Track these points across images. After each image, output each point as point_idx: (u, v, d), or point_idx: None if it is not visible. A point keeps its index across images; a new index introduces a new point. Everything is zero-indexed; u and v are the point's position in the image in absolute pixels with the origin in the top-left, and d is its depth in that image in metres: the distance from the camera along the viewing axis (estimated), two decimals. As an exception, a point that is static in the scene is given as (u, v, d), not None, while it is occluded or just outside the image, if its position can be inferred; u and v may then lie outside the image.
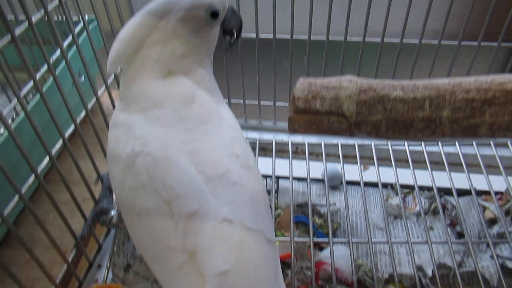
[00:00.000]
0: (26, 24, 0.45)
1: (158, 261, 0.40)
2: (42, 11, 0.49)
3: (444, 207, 0.71)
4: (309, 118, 0.48)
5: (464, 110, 0.44)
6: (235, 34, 0.51)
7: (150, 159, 0.41)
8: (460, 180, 0.68)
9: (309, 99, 0.47)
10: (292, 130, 0.49)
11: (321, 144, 0.74)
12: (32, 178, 0.51)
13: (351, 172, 0.73)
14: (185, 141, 0.42)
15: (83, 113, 0.61)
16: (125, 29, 0.45)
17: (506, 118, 0.43)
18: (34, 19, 0.46)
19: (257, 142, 0.76)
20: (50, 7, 0.50)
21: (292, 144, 0.75)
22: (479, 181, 0.68)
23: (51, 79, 0.65)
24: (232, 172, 0.42)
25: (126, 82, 0.46)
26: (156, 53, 0.44)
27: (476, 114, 0.44)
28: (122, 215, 0.47)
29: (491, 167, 0.70)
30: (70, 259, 0.56)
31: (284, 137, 0.80)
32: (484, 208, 0.70)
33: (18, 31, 0.45)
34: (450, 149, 0.72)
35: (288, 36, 0.68)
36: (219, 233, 0.38)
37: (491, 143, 0.71)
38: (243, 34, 0.68)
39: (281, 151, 0.79)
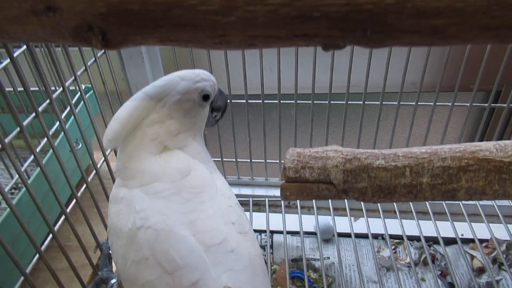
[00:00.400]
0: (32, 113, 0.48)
1: None
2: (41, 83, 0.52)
3: (433, 258, 0.74)
4: (300, 186, 0.51)
5: (441, 177, 0.47)
6: (221, 112, 0.56)
7: (152, 232, 0.43)
8: (446, 229, 0.70)
9: (298, 169, 0.51)
10: (285, 197, 0.52)
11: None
12: (32, 249, 0.53)
13: (342, 223, 0.76)
14: (184, 212, 0.45)
15: (79, 177, 0.63)
16: (123, 109, 0.49)
17: (480, 183, 0.46)
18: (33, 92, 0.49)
19: (251, 200, 0.78)
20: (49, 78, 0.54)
21: (282, 200, 0.78)
22: (465, 230, 0.71)
23: (50, 150, 0.68)
24: (229, 240, 0.44)
25: (124, 159, 0.50)
26: (153, 132, 0.48)
27: (453, 180, 0.47)
28: (124, 287, 0.48)
29: (475, 216, 0.73)
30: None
31: (276, 192, 0.83)
32: (472, 257, 0.72)
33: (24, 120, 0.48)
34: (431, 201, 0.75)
35: (275, 93, 0.72)
36: None
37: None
38: (234, 92, 0.72)
39: (274, 206, 0.82)
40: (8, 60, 0.46)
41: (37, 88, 0.77)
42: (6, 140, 0.44)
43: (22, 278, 0.49)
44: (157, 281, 0.41)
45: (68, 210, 0.58)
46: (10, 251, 0.44)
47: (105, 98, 0.65)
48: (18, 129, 0.45)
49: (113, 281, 0.59)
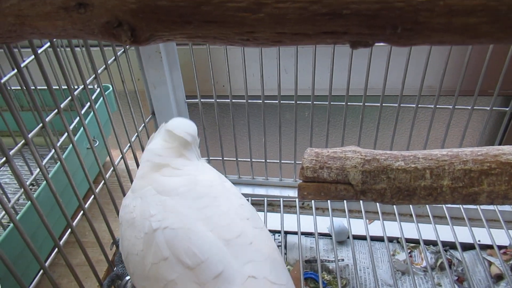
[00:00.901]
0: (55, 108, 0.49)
1: None
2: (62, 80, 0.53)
3: (450, 263, 0.72)
4: (318, 186, 0.51)
5: (463, 180, 0.47)
6: None
7: (169, 232, 0.43)
8: (464, 234, 0.69)
9: (316, 169, 0.50)
10: (302, 197, 0.52)
11: (327, 200, 0.77)
12: (51, 242, 0.53)
13: (357, 226, 0.75)
14: (199, 208, 0.46)
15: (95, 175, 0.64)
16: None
17: (503, 188, 0.46)
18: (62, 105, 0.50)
19: (265, 200, 0.78)
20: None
21: (299, 200, 0.78)
22: (483, 235, 0.70)
23: (69, 146, 0.69)
24: (247, 233, 0.45)
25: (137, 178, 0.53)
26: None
27: (475, 183, 0.46)
28: None
29: (493, 221, 0.72)
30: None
31: (291, 193, 0.83)
32: (490, 263, 0.71)
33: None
34: (452, 204, 0.74)
35: (292, 94, 0.72)
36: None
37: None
38: (250, 95, 0.72)
39: (288, 206, 0.82)
40: (32, 57, 0.47)
41: (56, 87, 0.78)
42: (30, 136, 0.44)
43: (41, 271, 0.50)
44: (179, 279, 0.41)
45: (85, 206, 0.59)
46: (30, 243, 0.45)
47: (123, 97, 0.65)
48: (41, 125, 0.46)
49: (128, 277, 0.60)
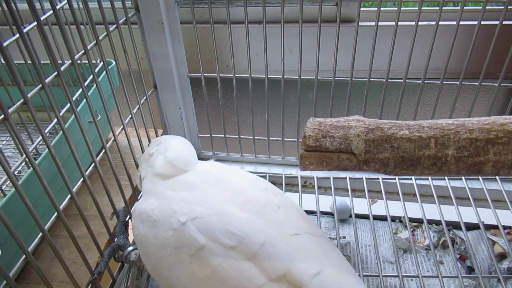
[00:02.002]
0: (55, 73, 0.49)
1: None
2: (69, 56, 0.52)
3: (453, 241, 0.72)
4: (320, 155, 0.50)
5: (468, 149, 0.46)
6: None
7: (199, 221, 0.42)
8: (468, 214, 0.68)
9: (319, 137, 0.50)
10: (304, 167, 0.52)
11: (329, 178, 0.76)
12: (52, 213, 0.53)
13: (360, 205, 0.74)
14: (218, 193, 0.46)
15: (98, 149, 0.63)
16: None
17: (509, 157, 0.45)
18: (62, 68, 0.50)
19: (267, 175, 0.78)
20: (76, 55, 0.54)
21: (301, 178, 0.77)
22: (487, 215, 0.69)
23: (69, 118, 0.69)
24: (271, 200, 0.46)
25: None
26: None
27: (480, 153, 0.46)
28: None
29: (498, 202, 0.71)
30: (85, 294, 0.57)
31: (293, 171, 0.82)
32: (494, 243, 0.70)
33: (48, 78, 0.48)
34: (457, 183, 0.73)
35: (296, 76, 0.71)
36: (294, 245, 0.41)
37: (497, 178, 0.72)
38: (253, 75, 0.72)
39: (290, 184, 0.81)
40: (35, 23, 0.46)
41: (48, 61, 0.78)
42: (30, 94, 0.44)
43: (40, 234, 0.50)
44: (225, 262, 0.40)
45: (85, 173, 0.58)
46: (30, 206, 0.44)
47: (125, 74, 0.65)
48: (42, 91, 0.45)
49: (130, 248, 0.60)
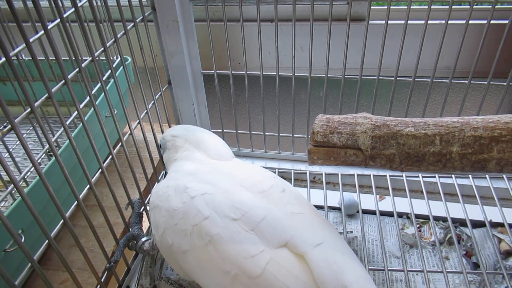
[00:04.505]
0: (77, 69, 0.51)
1: (244, 274, 0.41)
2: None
3: (459, 238, 0.73)
4: (327, 150, 0.52)
5: (472, 146, 0.47)
6: None
7: (208, 196, 0.46)
8: (474, 212, 0.69)
9: (327, 133, 0.51)
10: (312, 162, 0.53)
11: (338, 174, 0.78)
12: (69, 205, 0.56)
13: (367, 201, 0.76)
14: (229, 178, 0.49)
15: (112, 143, 0.66)
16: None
17: (512, 154, 0.46)
18: (83, 65, 0.52)
19: (277, 171, 0.80)
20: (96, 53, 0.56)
21: (310, 173, 0.79)
22: (494, 213, 0.69)
23: (87, 113, 0.72)
24: (277, 184, 0.48)
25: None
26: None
27: (484, 150, 0.47)
28: (183, 259, 0.46)
29: (505, 200, 0.72)
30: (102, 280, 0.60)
31: (302, 167, 0.84)
32: (500, 240, 0.71)
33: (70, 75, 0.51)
34: (464, 181, 0.74)
35: (306, 73, 0.73)
36: (297, 221, 0.43)
37: (504, 177, 0.73)
38: (265, 72, 0.73)
39: (299, 180, 0.83)
40: (58, 20, 0.48)
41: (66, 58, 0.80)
42: (53, 90, 0.47)
43: (61, 221, 0.53)
44: (223, 232, 0.42)
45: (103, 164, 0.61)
46: (53, 195, 0.47)
47: (140, 70, 0.67)
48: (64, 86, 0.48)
49: (143, 238, 0.62)
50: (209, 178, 0.49)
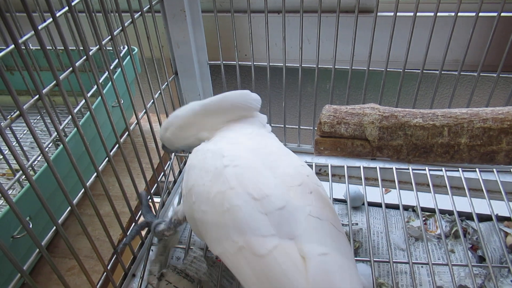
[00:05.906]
0: (84, 58, 0.51)
1: (249, 249, 0.42)
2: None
3: (465, 231, 0.73)
4: (334, 141, 0.52)
5: (481, 138, 0.47)
6: None
7: (239, 169, 0.47)
8: (481, 206, 0.69)
9: (334, 124, 0.51)
10: (318, 152, 0.53)
11: (343, 167, 0.78)
12: (75, 194, 0.56)
13: (373, 194, 0.76)
14: (265, 158, 0.49)
15: (119, 133, 0.66)
16: None
17: (522, 146, 0.45)
18: (91, 53, 0.52)
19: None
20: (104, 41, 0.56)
21: (316, 165, 0.79)
22: (501, 207, 0.69)
23: (93, 103, 0.72)
24: (307, 184, 0.48)
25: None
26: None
27: (493, 142, 0.46)
28: (200, 218, 0.48)
29: (512, 194, 0.71)
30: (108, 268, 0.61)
31: (308, 159, 0.84)
32: (506, 234, 0.71)
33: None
34: (470, 175, 0.74)
35: (314, 65, 0.72)
36: (311, 223, 0.43)
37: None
38: (271, 63, 0.73)
39: (305, 172, 0.83)
40: (66, 8, 0.48)
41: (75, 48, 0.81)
42: (61, 77, 0.47)
43: (68, 208, 0.53)
44: (244, 205, 0.43)
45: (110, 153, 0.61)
46: (61, 182, 0.48)
47: (147, 61, 0.67)
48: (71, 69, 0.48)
49: (157, 220, 0.63)
50: (247, 153, 0.50)
